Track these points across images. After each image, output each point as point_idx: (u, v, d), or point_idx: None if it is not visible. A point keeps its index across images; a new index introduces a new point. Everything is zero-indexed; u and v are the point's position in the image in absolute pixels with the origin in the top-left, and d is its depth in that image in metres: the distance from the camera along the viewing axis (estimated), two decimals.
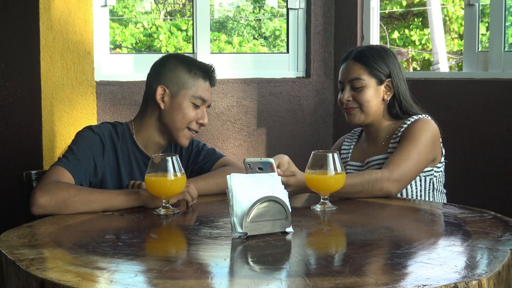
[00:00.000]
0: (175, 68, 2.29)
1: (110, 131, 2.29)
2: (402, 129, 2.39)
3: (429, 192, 2.41)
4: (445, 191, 2.50)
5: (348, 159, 2.54)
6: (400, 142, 2.35)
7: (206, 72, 2.32)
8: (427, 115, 2.44)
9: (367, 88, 2.41)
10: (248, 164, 2.14)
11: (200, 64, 2.34)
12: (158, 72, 2.32)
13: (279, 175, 2.17)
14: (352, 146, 2.58)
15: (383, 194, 2.24)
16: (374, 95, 2.42)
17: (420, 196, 2.40)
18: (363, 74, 2.41)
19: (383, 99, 2.44)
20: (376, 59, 2.42)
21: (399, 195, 2.36)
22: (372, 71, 2.41)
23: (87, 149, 2.20)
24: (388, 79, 2.43)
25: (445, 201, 2.49)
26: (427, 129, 2.35)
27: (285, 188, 2.19)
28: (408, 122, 2.40)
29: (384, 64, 2.43)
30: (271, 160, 2.10)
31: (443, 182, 2.49)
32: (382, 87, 2.43)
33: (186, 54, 2.54)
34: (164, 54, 2.41)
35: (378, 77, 2.42)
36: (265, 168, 2.17)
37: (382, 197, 2.24)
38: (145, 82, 2.37)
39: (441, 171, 2.45)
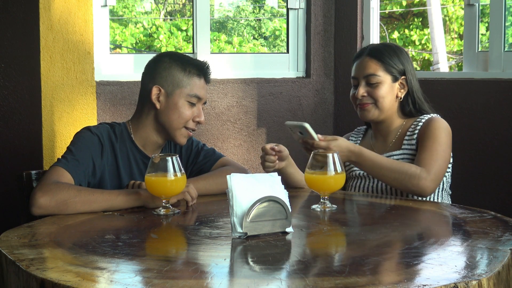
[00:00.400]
0: (169, 67, 2.29)
1: (108, 131, 2.29)
2: (418, 127, 2.38)
3: (437, 192, 2.40)
4: (450, 192, 2.49)
5: None
6: (421, 141, 2.34)
7: (201, 69, 2.32)
8: (437, 114, 2.45)
9: (382, 84, 2.41)
10: (290, 128, 2.17)
11: (194, 62, 2.33)
12: (152, 71, 2.31)
13: (319, 140, 2.18)
14: (357, 144, 2.57)
15: (417, 190, 2.23)
16: (389, 92, 2.42)
17: (430, 196, 2.38)
18: (378, 70, 2.42)
19: (397, 96, 2.44)
20: (391, 56, 2.43)
21: (400, 195, 2.35)
22: (388, 67, 2.42)
23: (85, 150, 2.20)
24: (402, 77, 2.44)
25: (450, 202, 2.47)
26: (444, 127, 2.36)
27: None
28: (423, 120, 2.40)
29: (399, 61, 2.44)
30: (305, 124, 2.12)
31: (450, 183, 2.48)
32: (397, 85, 2.43)
33: (181, 52, 2.53)
34: (158, 53, 2.40)
35: (393, 74, 2.42)
36: (304, 133, 2.18)
37: (414, 192, 2.24)
38: (140, 82, 2.37)
39: (450, 171, 2.44)
